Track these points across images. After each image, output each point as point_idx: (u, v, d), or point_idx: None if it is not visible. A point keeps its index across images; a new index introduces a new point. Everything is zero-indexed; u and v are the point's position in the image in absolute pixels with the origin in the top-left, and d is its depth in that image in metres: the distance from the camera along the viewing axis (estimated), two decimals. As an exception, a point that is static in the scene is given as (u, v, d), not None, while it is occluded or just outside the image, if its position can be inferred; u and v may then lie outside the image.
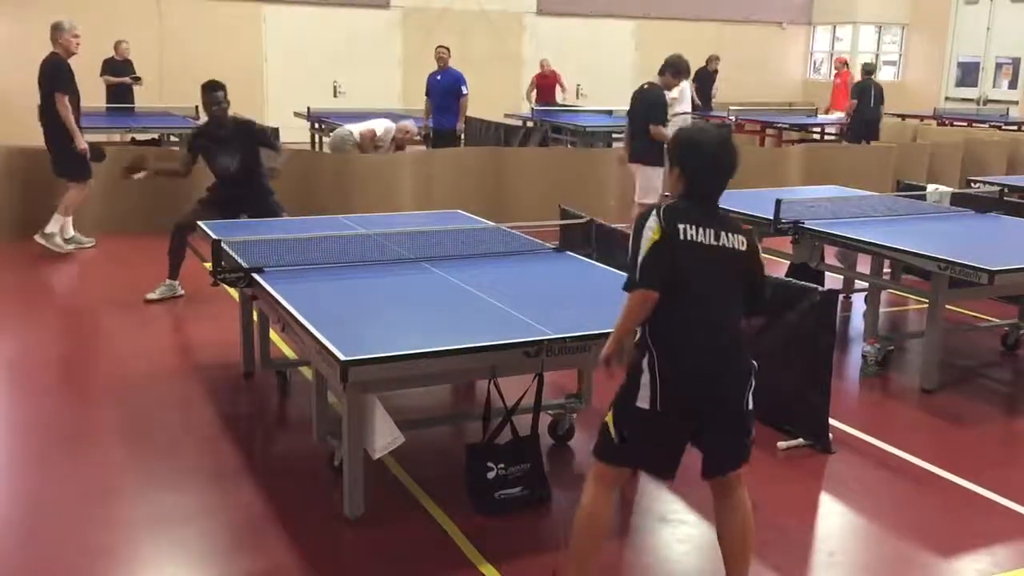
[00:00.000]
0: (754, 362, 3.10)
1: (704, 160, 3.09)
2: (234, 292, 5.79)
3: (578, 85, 18.37)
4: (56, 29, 8.05)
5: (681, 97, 12.29)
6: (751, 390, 3.08)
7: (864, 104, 13.57)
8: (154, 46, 15.62)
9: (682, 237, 2.99)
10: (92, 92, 12.90)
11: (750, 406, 3.09)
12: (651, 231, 2.99)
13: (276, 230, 5.41)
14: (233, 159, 6.55)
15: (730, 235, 3.06)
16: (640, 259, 2.98)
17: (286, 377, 5.37)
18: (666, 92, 8.22)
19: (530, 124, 14.79)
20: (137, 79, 13.17)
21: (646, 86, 8.26)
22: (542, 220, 7.15)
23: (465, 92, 11.17)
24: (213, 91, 6.56)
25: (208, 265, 4.89)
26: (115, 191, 9.12)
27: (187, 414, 4.96)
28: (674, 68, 8.18)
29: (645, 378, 3.01)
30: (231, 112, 6.73)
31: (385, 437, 3.68)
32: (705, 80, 16.04)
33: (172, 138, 12.02)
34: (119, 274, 8.02)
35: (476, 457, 3.97)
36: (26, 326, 6.47)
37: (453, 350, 3.55)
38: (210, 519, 3.90)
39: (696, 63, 16.56)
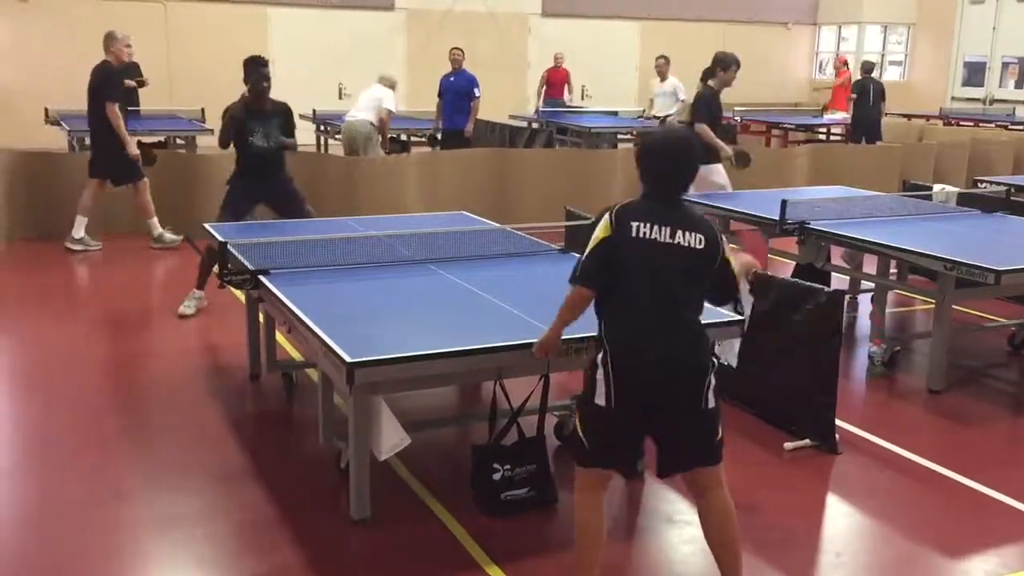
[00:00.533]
0: (714, 359, 3.11)
1: (658, 162, 3.13)
2: (240, 294, 5.80)
3: (583, 86, 18.36)
4: (109, 38, 8.28)
5: (674, 96, 12.01)
6: (711, 388, 3.07)
7: (863, 103, 13.53)
8: (160, 49, 15.65)
9: (634, 234, 3.04)
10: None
11: (711, 404, 3.08)
12: (600, 228, 3.08)
13: (282, 232, 5.41)
14: (268, 137, 6.46)
15: (687, 233, 3.06)
16: (584, 256, 3.08)
17: (292, 379, 5.38)
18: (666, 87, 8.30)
19: (535, 125, 14.80)
20: (142, 82, 13.13)
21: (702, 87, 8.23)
22: (547, 221, 7.15)
23: (477, 94, 11.21)
24: (263, 66, 6.46)
25: (215, 267, 4.91)
26: (120, 194, 9.15)
27: (193, 416, 4.96)
28: (723, 63, 7.99)
29: (600, 374, 3.05)
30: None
31: (391, 439, 3.68)
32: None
33: (179, 140, 12.04)
34: (123, 276, 8.04)
35: (482, 458, 3.97)
36: (31, 329, 6.49)
37: (459, 351, 3.56)
38: (216, 521, 3.91)
39: (702, 64, 16.60)
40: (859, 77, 14.19)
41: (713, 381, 3.08)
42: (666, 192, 3.14)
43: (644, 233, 3.04)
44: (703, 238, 3.07)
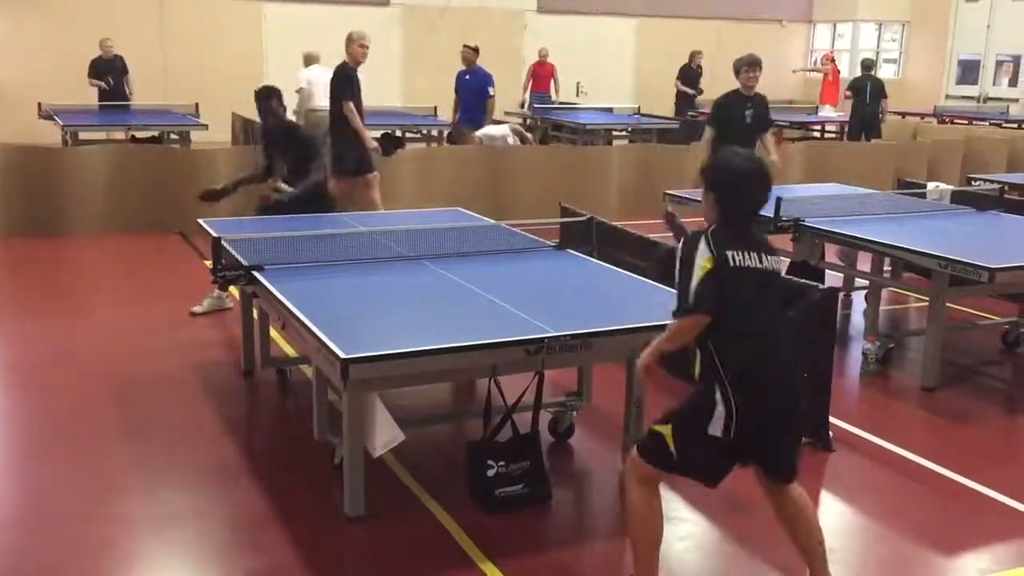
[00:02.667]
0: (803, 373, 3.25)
1: (738, 185, 3.10)
2: (234, 290, 5.79)
3: (578, 83, 18.35)
4: (347, 39, 8.39)
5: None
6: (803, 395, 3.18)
7: (860, 101, 13.50)
8: (155, 44, 15.61)
9: (732, 264, 3.00)
10: (89, 90, 12.95)
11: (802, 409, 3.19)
12: (703, 259, 2.98)
13: (276, 228, 5.40)
14: (286, 163, 6.31)
15: (769, 256, 3.10)
16: (694, 285, 2.97)
17: (286, 375, 5.37)
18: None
19: (530, 122, 14.78)
20: (110, 83, 13.00)
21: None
22: (542, 218, 7.15)
23: (491, 92, 10.97)
24: (266, 100, 6.36)
25: (209, 263, 4.89)
26: (117, 189, 9.13)
27: (188, 412, 4.95)
28: (735, 69, 7.61)
29: (720, 410, 2.99)
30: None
31: (385, 435, 3.68)
32: (690, 77, 16.08)
33: (172, 136, 12.01)
34: (121, 273, 8.02)
35: (477, 455, 3.97)
36: (27, 325, 6.47)
37: (454, 348, 3.55)
38: (211, 517, 3.90)
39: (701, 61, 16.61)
40: (858, 75, 14.11)
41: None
42: (752, 220, 3.13)
43: (740, 261, 3.01)
44: (778, 258, 3.15)
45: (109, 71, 12.89)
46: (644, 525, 3.18)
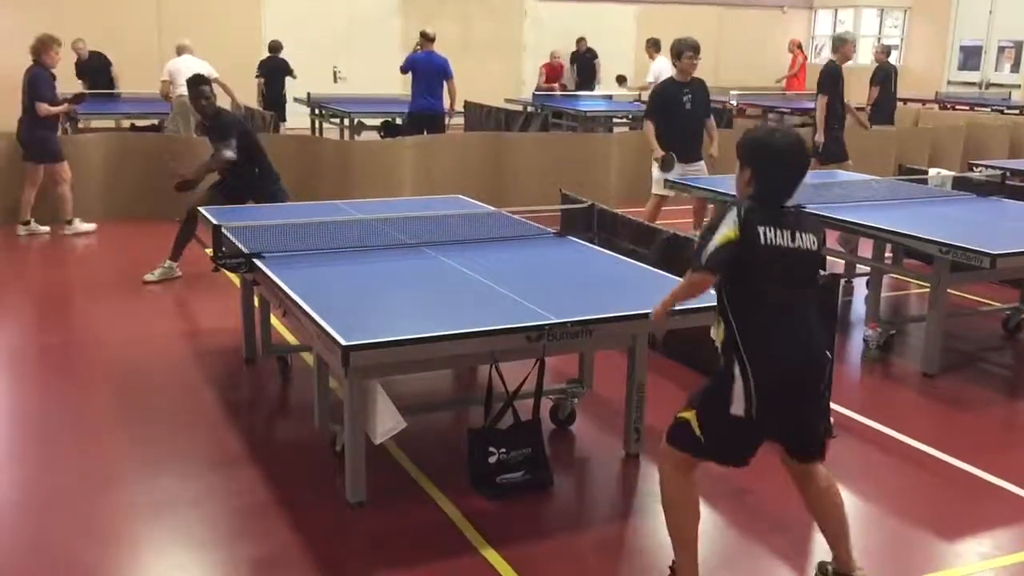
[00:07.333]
0: (828, 353, 3.16)
1: (776, 162, 3.08)
2: (235, 277, 5.78)
3: (574, 67, 18.32)
4: (838, 39, 9.05)
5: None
6: (830, 381, 3.19)
7: (887, 88, 13.14)
8: (152, 33, 15.56)
9: (763, 241, 2.98)
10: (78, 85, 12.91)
11: (829, 395, 3.22)
12: (728, 228, 2.97)
13: (277, 215, 5.40)
14: (228, 147, 6.66)
15: (804, 235, 3.06)
16: (712, 246, 2.97)
17: (287, 362, 5.37)
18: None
19: (530, 109, 14.76)
20: (80, 97, 12.72)
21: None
22: (543, 205, 7.14)
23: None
24: (197, 86, 6.83)
25: (209, 251, 4.89)
26: (116, 178, 9.12)
27: (188, 400, 4.96)
28: (674, 51, 7.80)
29: (739, 385, 2.99)
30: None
31: (387, 422, 3.69)
32: (584, 64, 16.31)
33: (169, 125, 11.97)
34: (119, 260, 8.01)
35: (478, 442, 3.98)
36: (25, 312, 6.47)
37: (455, 335, 3.55)
38: (212, 505, 3.91)
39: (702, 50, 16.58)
40: (879, 61, 13.82)
41: (830, 372, 3.18)
42: (783, 195, 3.10)
43: (771, 239, 3.00)
44: (815, 239, 3.09)
45: (87, 72, 12.73)
46: (680, 514, 3.17)
